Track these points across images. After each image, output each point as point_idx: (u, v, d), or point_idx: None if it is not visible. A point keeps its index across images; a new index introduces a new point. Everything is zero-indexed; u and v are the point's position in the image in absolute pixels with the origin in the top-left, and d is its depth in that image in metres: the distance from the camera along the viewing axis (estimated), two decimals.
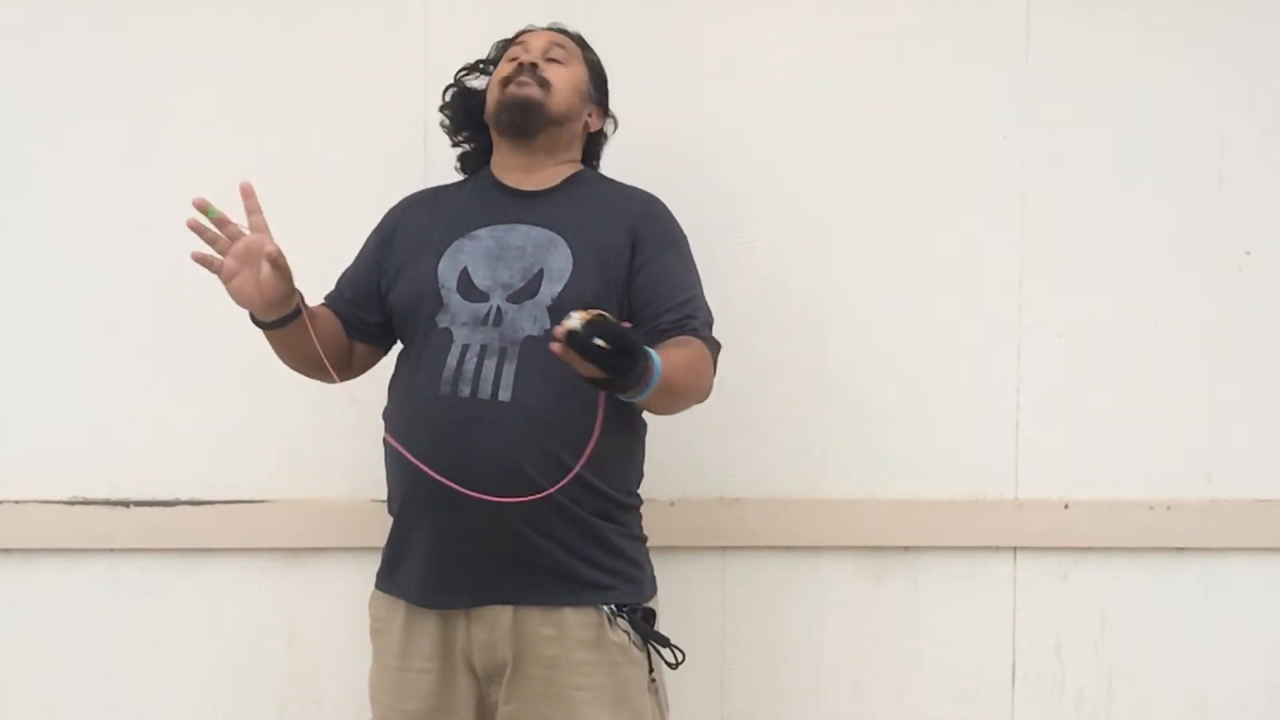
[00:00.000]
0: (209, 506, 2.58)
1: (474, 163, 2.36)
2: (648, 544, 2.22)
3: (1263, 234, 2.68)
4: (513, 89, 2.21)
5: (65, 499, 2.57)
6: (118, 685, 2.60)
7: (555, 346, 1.80)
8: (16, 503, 2.57)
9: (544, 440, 2.05)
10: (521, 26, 2.35)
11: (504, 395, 2.05)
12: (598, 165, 2.40)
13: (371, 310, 2.26)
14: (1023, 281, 2.66)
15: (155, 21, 2.58)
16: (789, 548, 2.65)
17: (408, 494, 2.11)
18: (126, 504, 2.57)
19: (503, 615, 2.08)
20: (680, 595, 2.48)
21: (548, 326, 2.06)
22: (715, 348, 2.16)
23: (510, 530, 2.05)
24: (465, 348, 2.09)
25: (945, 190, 2.65)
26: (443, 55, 2.54)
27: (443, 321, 2.13)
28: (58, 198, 2.58)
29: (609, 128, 2.39)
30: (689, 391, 2.06)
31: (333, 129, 2.60)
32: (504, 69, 2.27)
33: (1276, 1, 2.68)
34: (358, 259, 2.32)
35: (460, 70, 2.37)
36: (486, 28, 2.38)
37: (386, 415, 2.18)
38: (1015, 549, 2.67)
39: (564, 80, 2.25)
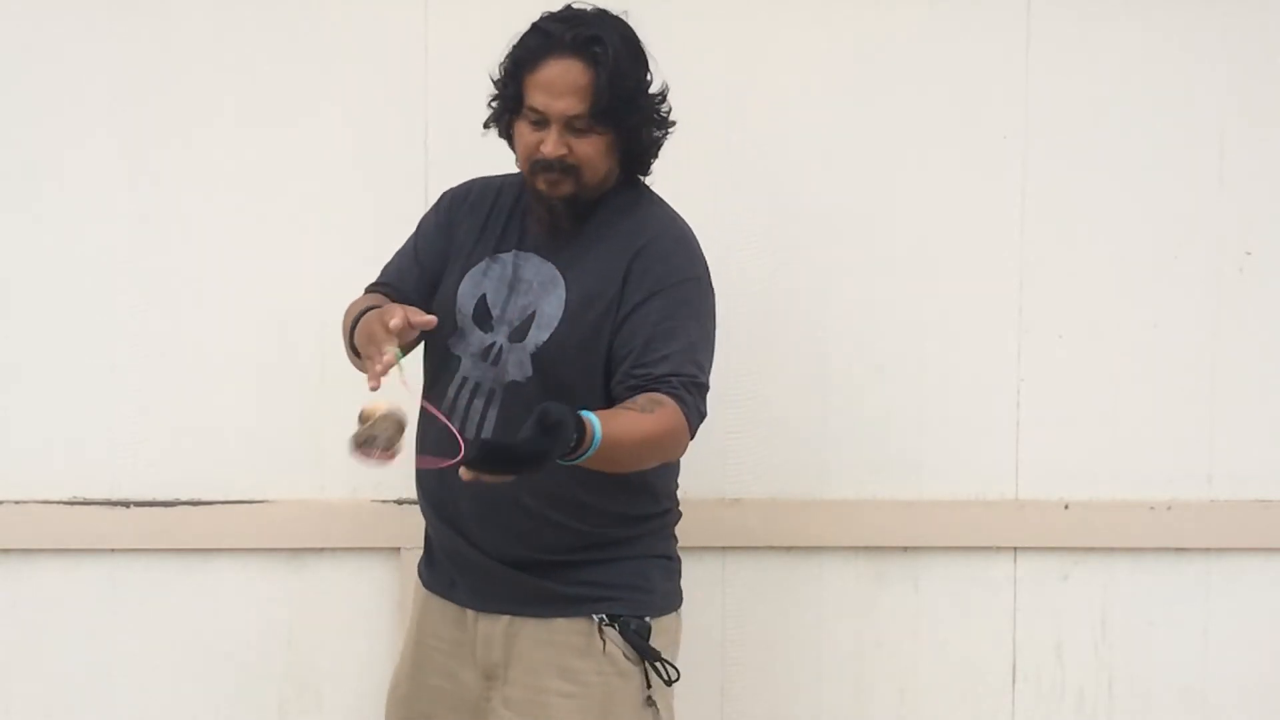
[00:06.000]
0: (209, 507, 2.57)
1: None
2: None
3: (1263, 234, 2.68)
4: (543, 187, 2.04)
5: (65, 499, 2.57)
6: (118, 685, 2.60)
7: (466, 475, 1.74)
8: (16, 503, 2.56)
9: (520, 488, 1.92)
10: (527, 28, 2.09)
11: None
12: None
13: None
14: (1023, 281, 2.66)
15: (155, 20, 2.57)
16: (789, 548, 2.65)
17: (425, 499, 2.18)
18: (126, 504, 2.57)
19: (500, 618, 2.10)
20: None
21: (529, 375, 2.03)
22: (692, 409, 1.97)
23: (508, 549, 2.07)
24: (464, 380, 2.08)
25: (945, 190, 2.65)
26: (443, 55, 2.55)
27: (455, 347, 2.10)
28: (58, 199, 2.57)
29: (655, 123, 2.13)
30: (642, 460, 1.96)
31: (333, 129, 2.59)
32: (528, 139, 2.03)
33: (1276, 1, 2.68)
34: (422, 245, 2.20)
35: (487, 120, 2.13)
36: (487, 28, 2.37)
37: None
38: (1015, 549, 2.67)
39: (592, 155, 2.03)
